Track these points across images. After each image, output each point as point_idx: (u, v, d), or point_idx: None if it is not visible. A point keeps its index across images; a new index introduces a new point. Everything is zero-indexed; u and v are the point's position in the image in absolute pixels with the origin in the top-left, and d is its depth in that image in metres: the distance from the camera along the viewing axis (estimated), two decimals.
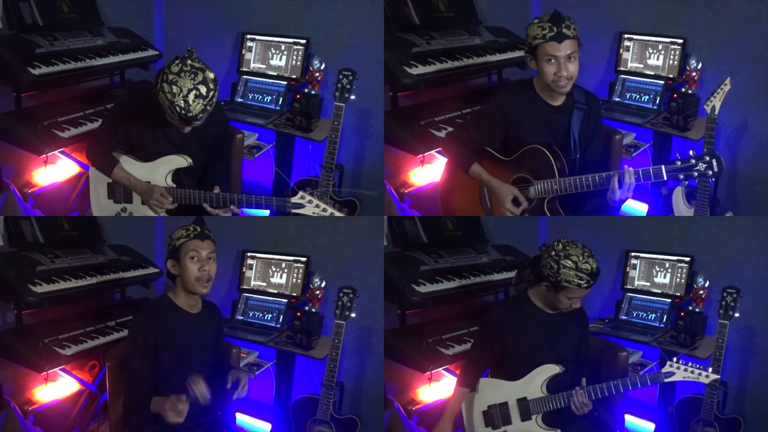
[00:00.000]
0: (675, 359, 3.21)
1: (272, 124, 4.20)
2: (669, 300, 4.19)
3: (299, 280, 4.22)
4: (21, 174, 3.89)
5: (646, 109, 4.18)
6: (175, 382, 3.13)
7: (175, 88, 3.16)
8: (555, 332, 3.31)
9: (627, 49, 4.24)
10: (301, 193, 3.41)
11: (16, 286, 3.79)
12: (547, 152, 3.35)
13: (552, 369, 3.28)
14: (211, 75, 3.22)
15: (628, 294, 4.31)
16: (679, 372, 3.19)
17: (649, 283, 4.27)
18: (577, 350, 3.35)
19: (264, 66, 4.31)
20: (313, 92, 4.16)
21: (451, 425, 3.43)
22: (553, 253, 3.16)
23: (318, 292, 4.14)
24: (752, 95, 3.96)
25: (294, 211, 3.41)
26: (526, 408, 3.31)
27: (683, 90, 4.06)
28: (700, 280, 4.10)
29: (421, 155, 4.08)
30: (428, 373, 3.95)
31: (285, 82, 4.27)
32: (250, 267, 4.32)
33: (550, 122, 3.39)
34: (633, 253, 4.31)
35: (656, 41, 4.17)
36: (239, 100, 4.33)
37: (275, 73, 4.29)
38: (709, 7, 4.06)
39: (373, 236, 4.10)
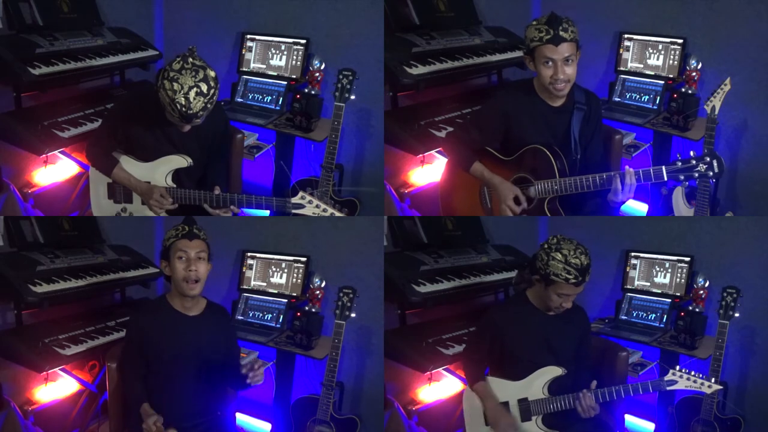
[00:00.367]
0: (678, 368, 3.21)
1: (272, 124, 4.20)
2: (669, 300, 4.19)
3: (299, 280, 4.22)
4: (21, 174, 3.89)
5: (646, 109, 4.18)
6: (171, 383, 3.15)
7: (176, 85, 3.16)
8: (553, 333, 3.31)
9: (627, 49, 4.24)
10: (301, 194, 3.41)
11: (16, 286, 3.78)
12: (547, 152, 3.35)
13: (554, 371, 3.28)
14: (212, 73, 3.22)
15: (628, 294, 4.31)
16: (681, 381, 3.19)
17: (649, 283, 4.27)
18: (577, 351, 3.35)
19: (264, 66, 4.31)
20: (313, 92, 4.16)
21: (493, 401, 3.35)
22: (546, 246, 3.17)
23: (318, 292, 4.14)
24: (752, 95, 3.96)
25: (294, 211, 3.41)
26: (526, 408, 3.31)
27: (683, 90, 4.06)
28: (700, 280, 4.10)
29: (421, 155, 4.08)
30: (428, 373, 3.95)
31: (285, 82, 4.26)
32: (250, 267, 4.32)
33: (550, 122, 3.39)
34: (633, 253, 4.31)
35: (656, 41, 4.17)
36: (239, 100, 4.33)
37: (275, 73, 4.29)
38: (709, 7, 4.05)
39: (373, 236, 4.10)
